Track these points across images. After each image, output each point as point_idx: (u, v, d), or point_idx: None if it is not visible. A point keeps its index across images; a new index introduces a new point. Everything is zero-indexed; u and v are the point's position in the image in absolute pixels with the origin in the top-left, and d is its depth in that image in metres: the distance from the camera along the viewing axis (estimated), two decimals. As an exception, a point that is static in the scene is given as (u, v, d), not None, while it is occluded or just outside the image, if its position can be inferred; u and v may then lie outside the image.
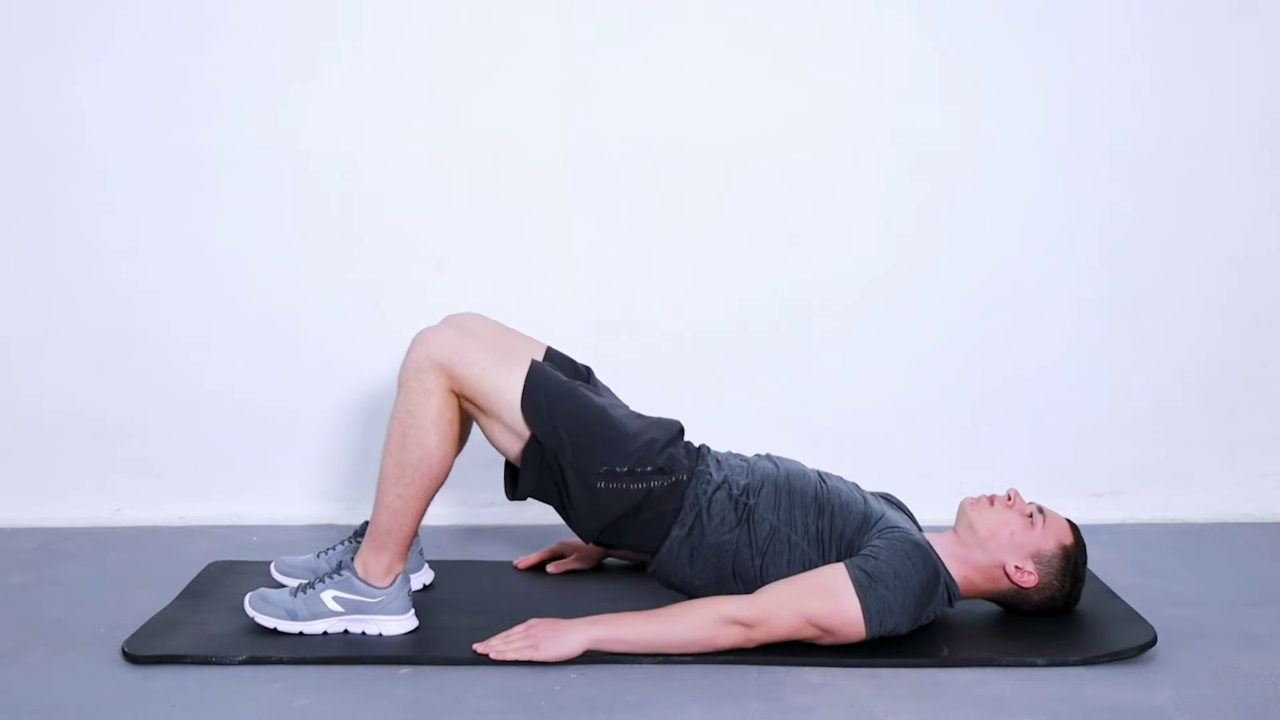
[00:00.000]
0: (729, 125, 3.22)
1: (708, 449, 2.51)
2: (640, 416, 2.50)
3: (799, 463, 2.55)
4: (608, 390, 2.62)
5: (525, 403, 2.36)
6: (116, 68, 3.15)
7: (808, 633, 2.29)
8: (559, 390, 2.40)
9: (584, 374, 2.59)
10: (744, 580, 2.42)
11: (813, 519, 2.41)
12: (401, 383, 2.39)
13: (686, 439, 2.51)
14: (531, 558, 2.86)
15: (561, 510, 2.45)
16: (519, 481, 2.43)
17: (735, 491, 2.41)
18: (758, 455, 2.57)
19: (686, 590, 2.45)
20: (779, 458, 2.56)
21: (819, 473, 2.53)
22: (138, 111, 3.17)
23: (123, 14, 3.14)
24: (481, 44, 3.18)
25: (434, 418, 2.36)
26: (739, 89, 3.22)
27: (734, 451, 2.56)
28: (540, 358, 2.52)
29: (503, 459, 2.50)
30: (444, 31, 3.18)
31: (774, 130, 3.22)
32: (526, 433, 2.38)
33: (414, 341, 2.41)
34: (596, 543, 2.51)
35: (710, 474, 2.43)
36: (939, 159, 3.23)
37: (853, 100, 3.23)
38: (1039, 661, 2.30)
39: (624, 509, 2.39)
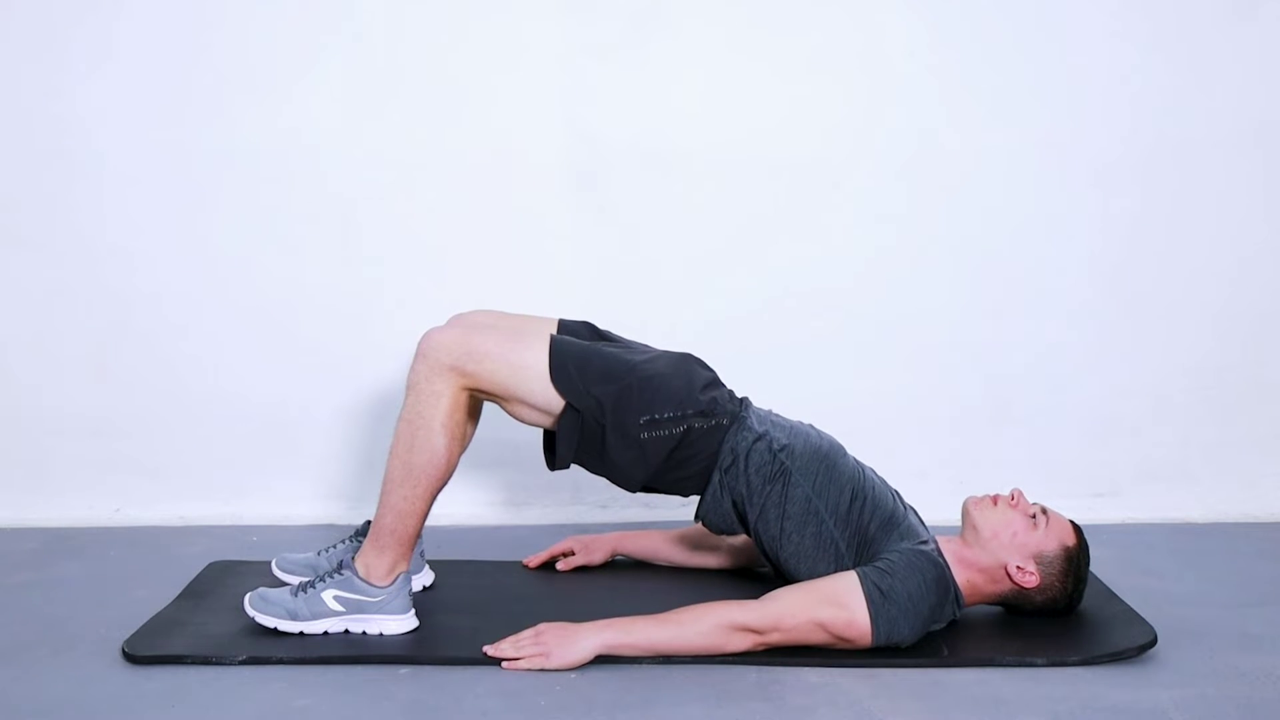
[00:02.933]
0: (727, 125, 3.22)
1: (750, 400, 2.53)
2: (668, 357, 2.49)
3: (839, 442, 2.56)
4: (632, 342, 2.61)
5: (555, 376, 2.37)
6: (118, 66, 3.16)
7: (818, 638, 2.29)
8: (584, 355, 2.41)
9: (603, 334, 2.60)
10: (763, 542, 2.44)
11: (845, 500, 2.42)
12: (410, 385, 2.38)
13: (730, 388, 2.53)
14: (540, 555, 2.86)
15: (604, 469, 2.44)
16: (558, 451, 2.43)
17: (775, 447, 2.43)
18: (801, 421, 2.57)
19: (731, 533, 2.50)
20: (822, 431, 2.56)
21: (856, 459, 2.53)
22: (140, 110, 3.17)
23: (125, 13, 3.14)
24: (483, 45, 3.18)
25: (443, 420, 2.36)
26: (737, 89, 3.22)
27: (775, 411, 2.57)
28: (554, 330, 2.53)
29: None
30: (445, 33, 3.18)
31: (771, 130, 3.22)
32: (557, 406, 2.38)
33: (421, 343, 2.40)
34: (643, 490, 2.49)
35: (752, 424, 2.44)
36: (937, 158, 3.23)
37: (850, 100, 3.23)
38: (1039, 661, 2.30)
39: (667, 451, 2.40)
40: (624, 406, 2.37)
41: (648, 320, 3.24)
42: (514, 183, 3.23)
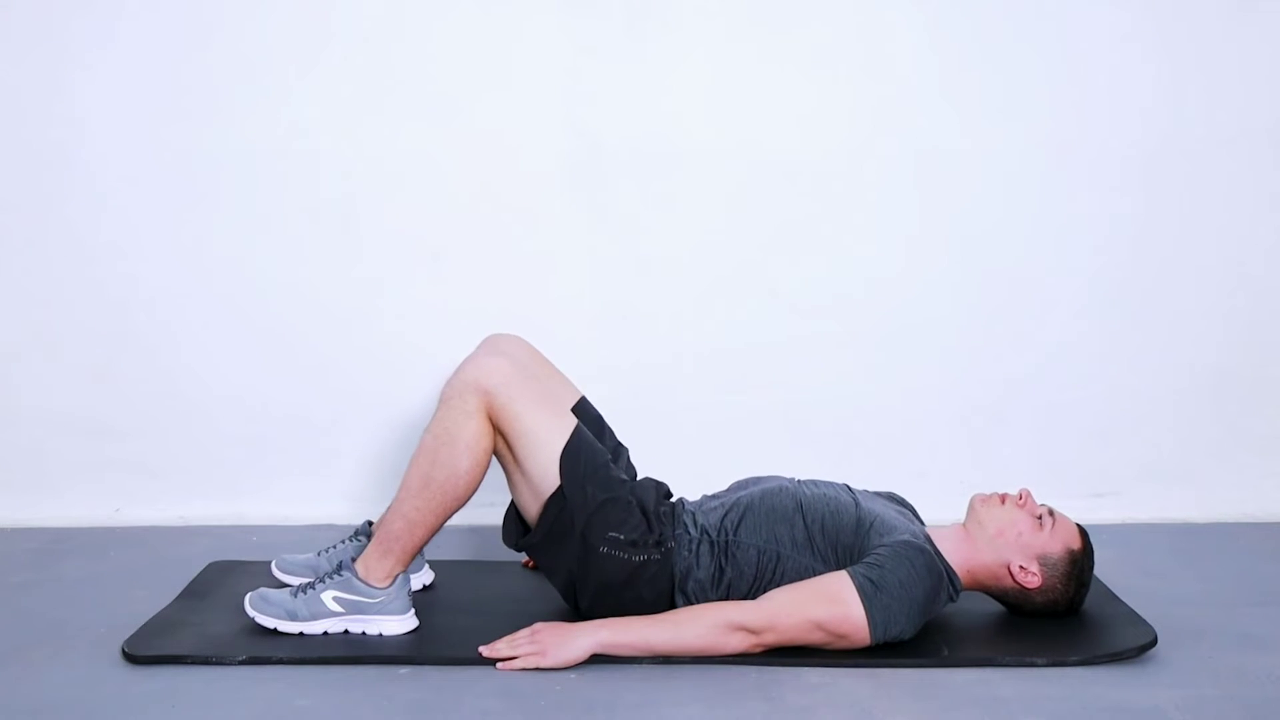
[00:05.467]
0: (728, 126, 3.21)
1: (683, 505, 2.50)
2: (637, 483, 2.51)
3: (777, 477, 2.55)
4: (626, 450, 2.64)
5: (566, 458, 2.36)
6: (115, 67, 3.15)
7: (815, 637, 2.29)
8: (596, 455, 2.41)
9: (608, 431, 2.63)
10: None
11: (800, 529, 2.41)
12: (443, 399, 2.38)
13: (670, 499, 2.53)
14: None
15: (557, 568, 2.43)
16: (533, 531, 2.42)
17: (713, 536, 2.42)
18: (735, 483, 2.58)
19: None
20: (757, 477, 2.57)
21: (798, 481, 2.53)
22: (136, 111, 3.17)
23: (121, 14, 3.14)
24: (481, 45, 3.18)
25: (469, 441, 2.34)
26: (739, 90, 3.21)
27: (708, 495, 2.56)
28: (574, 402, 2.58)
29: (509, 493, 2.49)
30: (443, 32, 3.18)
31: (774, 131, 3.22)
32: (547, 485, 2.37)
33: (465, 363, 2.41)
34: (588, 615, 2.44)
35: (690, 532, 2.43)
36: (940, 160, 3.22)
37: (854, 102, 3.23)
38: (1039, 661, 2.30)
39: (615, 578, 2.38)
40: (602, 516, 2.37)
41: (648, 321, 3.24)
42: (513, 183, 3.23)
